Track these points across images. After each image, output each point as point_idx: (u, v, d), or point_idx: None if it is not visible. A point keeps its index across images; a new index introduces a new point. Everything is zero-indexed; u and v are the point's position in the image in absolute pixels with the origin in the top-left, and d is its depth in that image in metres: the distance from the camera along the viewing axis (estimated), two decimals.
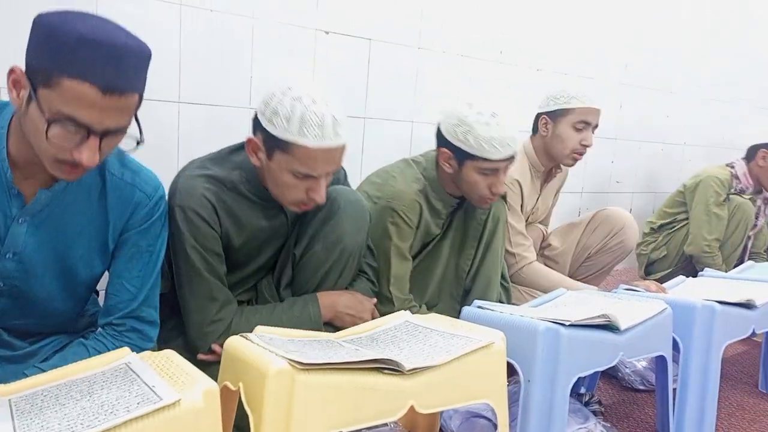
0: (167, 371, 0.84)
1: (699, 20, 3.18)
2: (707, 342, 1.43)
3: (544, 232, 2.19)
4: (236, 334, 1.19)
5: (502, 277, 1.72)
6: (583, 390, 1.58)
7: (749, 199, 2.46)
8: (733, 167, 2.51)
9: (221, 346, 1.19)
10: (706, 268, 2.04)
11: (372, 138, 2.12)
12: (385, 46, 2.09)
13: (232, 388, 0.94)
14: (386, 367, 0.93)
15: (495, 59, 2.43)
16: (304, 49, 1.91)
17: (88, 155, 0.87)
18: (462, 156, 1.46)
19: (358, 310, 1.32)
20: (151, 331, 1.11)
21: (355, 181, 1.73)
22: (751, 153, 2.49)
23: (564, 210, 2.72)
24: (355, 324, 1.30)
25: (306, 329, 1.25)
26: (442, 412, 1.31)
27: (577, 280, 2.08)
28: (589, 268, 2.13)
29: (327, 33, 1.95)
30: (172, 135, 1.71)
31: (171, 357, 0.90)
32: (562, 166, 2.02)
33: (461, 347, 1.02)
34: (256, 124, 1.18)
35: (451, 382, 0.99)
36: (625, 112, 2.99)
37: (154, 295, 1.11)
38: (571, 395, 1.48)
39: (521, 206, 1.94)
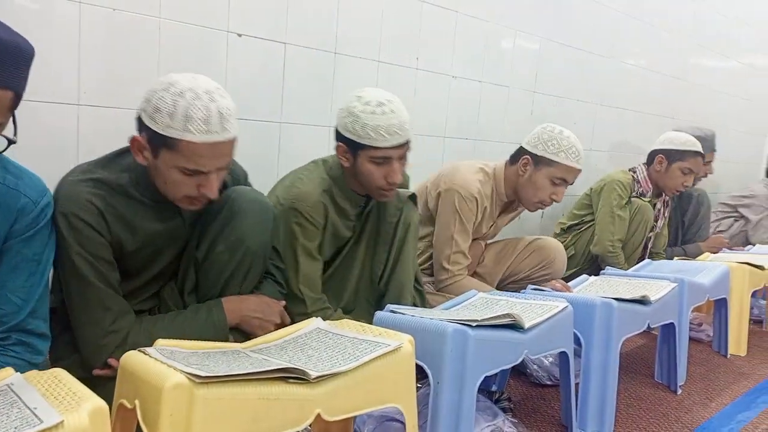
0: (53, 391, 0.79)
1: (602, 33, 3.38)
2: (606, 337, 1.52)
3: (484, 247, 2.22)
4: (135, 346, 1.15)
5: (416, 280, 1.75)
6: (494, 388, 1.63)
7: (649, 201, 2.62)
8: (634, 171, 2.67)
9: (119, 360, 1.15)
10: (607, 267, 2.16)
11: (288, 143, 2.09)
12: (300, 51, 2.07)
13: (129, 406, 0.90)
14: (292, 376, 0.92)
15: (412, 65, 2.47)
16: (215, 52, 1.86)
17: None
18: (354, 147, 1.49)
19: (266, 313, 1.30)
20: (40, 344, 1.05)
21: (270, 186, 1.71)
22: (651, 158, 2.65)
23: None
24: (263, 328, 1.29)
25: (211, 336, 1.22)
26: (355, 417, 1.31)
27: None
28: (513, 289, 2.18)
29: (239, 36, 1.91)
30: (71, 139, 1.61)
31: (59, 376, 0.85)
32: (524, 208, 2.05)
33: (369, 352, 1.03)
34: (140, 123, 1.15)
35: (358, 388, 0.99)
36: (537, 120, 3.11)
37: (42, 307, 1.05)
38: (482, 393, 1.54)
39: (474, 224, 1.95)
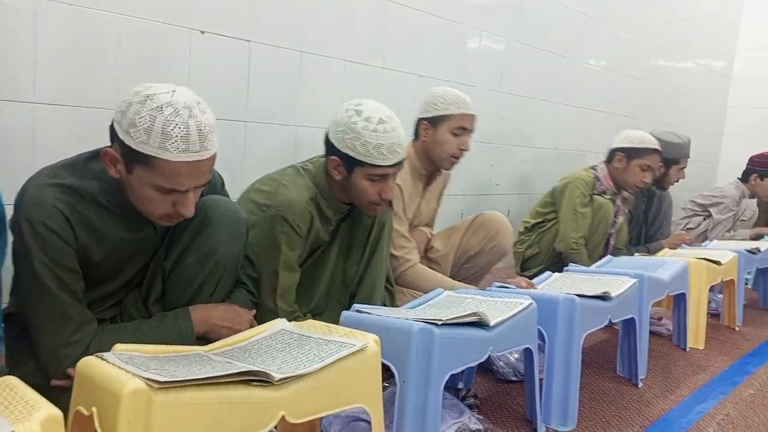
0: (4, 400, 0.76)
1: (565, 35, 3.44)
2: (569, 332, 1.54)
3: (429, 235, 2.26)
4: None
5: (387, 280, 1.75)
6: (460, 385, 1.64)
7: (610, 199, 2.69)
8: (595, 170, 2.73)
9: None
10: (570, 264, 2.20)
11: (253, 143, 2.07)
12: (265, 49, 2.06)
13: (86, 413, 0.87)
14: (255, 378, 0.91)
15: (378, 65, 2.47)
16: (177, 49, 1.83)
17: None
18: (351, 163, 1.46)
19: (235, 322, 1.27)
20: None
21: (235, 186, 1.68)
22: (610, 156, 2.71)
23: (447, 212, 2.81)
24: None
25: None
26: (321, 418, 1.31)
27: (459, 280, 2.17)
28: (469, 270, 2.23)
29: (203, 33, 1.88)
30: (26, 138, 1.56)
31: (10, 384, 0.82)
32: (442, 169, 2.10)
33: (334, 353, 1.02)
34: (113, 134, 1.09)
35: (323, 389, 0.99)
36: (502, 119, 3.16)
37: None
38: (448, 391, 1.54)
39: (404, 209, 1.99)
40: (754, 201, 3.55)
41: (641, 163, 2.63)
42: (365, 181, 1.47)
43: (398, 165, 1.48)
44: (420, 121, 2.03)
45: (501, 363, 1.80)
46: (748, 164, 3.67)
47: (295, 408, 0.94)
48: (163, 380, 0.81)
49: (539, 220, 2.77)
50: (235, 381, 0.89)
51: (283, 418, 0.93)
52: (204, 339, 1.25)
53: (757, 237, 3.32)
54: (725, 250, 2.58)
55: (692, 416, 1.69)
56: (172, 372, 0.87)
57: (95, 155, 1.17)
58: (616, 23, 3.80)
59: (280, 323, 1.19)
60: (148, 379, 0.81)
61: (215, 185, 1.37)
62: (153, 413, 0.79)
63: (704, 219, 3.51)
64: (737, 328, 2.60)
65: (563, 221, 2.62)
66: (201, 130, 1.06)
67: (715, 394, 1.86)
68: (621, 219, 2.82)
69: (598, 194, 2.67)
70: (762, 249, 2.79)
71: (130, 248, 1.21)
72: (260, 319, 1.40)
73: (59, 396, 0.88)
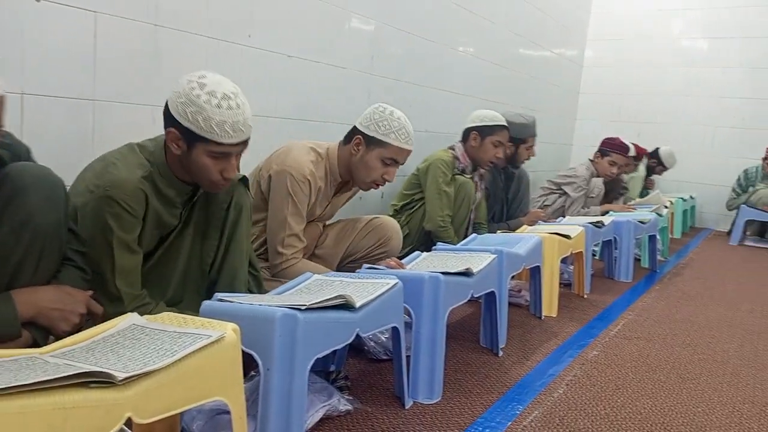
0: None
1: (434, 21, 3.53)
2: (434, 309, 1.60)
3: (322, 229, 2.22)
4: None
5: (252, 265, 1.70)
6: (332, 368, 1.65)
7: (470, 177, 2.83)
8: (453, 149, 2.87)
9: None
10: (438, 243, 2.29)
11: (104, 123, 1.90)
12: (114, 21, 1.88)
13: None
14: (95, 380, 0.84)
15: (244, 43, 2.37)
16: (8, 20, 1.62)
17: None
18: (191, 138, 1.38)
19: (67, 303, 1.18)
20: None
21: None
22: (465, 135, 2.88)
23: None
24: (66, 320, 1.17)
25: None
26: (182, 414, 1.25)
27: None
28: (351, 267, 2.22)
29: (38, 1, 1.68)
30: None
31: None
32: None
33: (187, 346, 0.97)
34: None
35: (175, 385, 0.93)
36: (374, 101, 3.17)
37: None
38: (319, 374, 1.55)
39: (308, 205, 1.92)
40: (600, 179, 3.91)
41: (493, 140, 2.84)
42: (206, 158, 1.40)
43: (242, 144, 1.42)
44: (356, 132, 1.97)
45: (372, 343, 1.84)
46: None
47: (143, 408, 0.88)
48: None
49: (407, 201, 2.85)
50: (72, 384, 0.81)
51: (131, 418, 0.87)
52: (33, 325, 1.15)
53: (606, 213, 3.67)
54: (574, 225, 2.83)
55: (545, 379, 1.84)
56: None
57: None
58: (481, 12, 3.97)
59: (130, 318, 1.11)
60: None
61: (20, 155, 1.25)
62: None
63: (560, 196, 3.81)
64: (585, 296, 2.87)
65: (429, 201, 2.72)
66: None
67: (564, 358, 2.04)
68: (479, 195, 3.00)
69: (459, 173, 2.80)
70: (606, 223, 3.10)
71: None
72: (105, 309, 1.31)
73: None
